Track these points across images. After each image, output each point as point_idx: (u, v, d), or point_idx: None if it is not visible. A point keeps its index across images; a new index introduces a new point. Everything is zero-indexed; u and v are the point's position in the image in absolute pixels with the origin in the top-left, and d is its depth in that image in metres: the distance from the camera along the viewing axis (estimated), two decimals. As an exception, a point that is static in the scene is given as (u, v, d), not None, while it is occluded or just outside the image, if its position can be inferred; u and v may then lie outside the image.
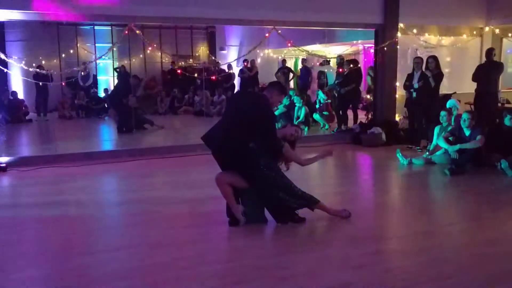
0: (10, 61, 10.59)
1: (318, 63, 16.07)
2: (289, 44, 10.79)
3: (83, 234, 5.03)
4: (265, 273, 3.89)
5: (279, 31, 10.09)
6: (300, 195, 4.96)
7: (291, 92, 12.07)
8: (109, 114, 14.16)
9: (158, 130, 11.91)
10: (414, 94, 9.32)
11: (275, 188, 4.85)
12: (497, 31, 11.61)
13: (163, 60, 18.45)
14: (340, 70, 11.14)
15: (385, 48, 10.50)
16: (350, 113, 11.36)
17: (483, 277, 3.82)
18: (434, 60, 9.29)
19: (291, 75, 16.11)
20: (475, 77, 9.79)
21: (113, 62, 17.58)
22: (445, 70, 10.08)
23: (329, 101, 12.13)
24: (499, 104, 10.49)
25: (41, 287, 3.80)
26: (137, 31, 9.65)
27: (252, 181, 4.85)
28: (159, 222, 5.30)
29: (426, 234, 4.80)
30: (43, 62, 15.80)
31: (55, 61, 16.91)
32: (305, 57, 15.84)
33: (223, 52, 19.24)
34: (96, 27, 17.51)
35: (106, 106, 15.12)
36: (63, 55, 17.23)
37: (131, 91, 11.80)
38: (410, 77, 9.51)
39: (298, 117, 11.57)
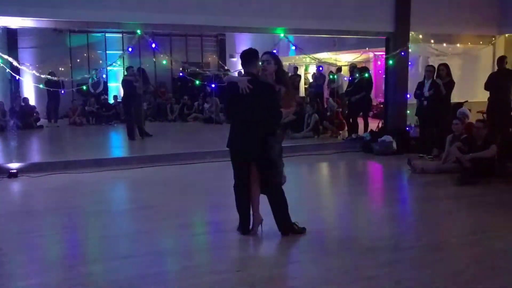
0: (22, 67, 10.67)
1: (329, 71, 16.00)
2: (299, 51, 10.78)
3: (92, 241, 5.02)
4: (274, 283, 3.84)
5: (288, 39, 10.12)
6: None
7: None
8: (124, 120, 14.15)
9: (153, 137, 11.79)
10: (425, 103, 9.24)
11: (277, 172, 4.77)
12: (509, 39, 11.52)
13: (173, 68, 18.52)
14: (351, 78, 11.09)
15: (396, 56, 10.45)
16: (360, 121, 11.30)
17: (498, 289, 3.76)
18: (445, 68, 9.20)
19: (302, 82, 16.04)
20: (487, 86, 9.70)
21: (123, 69, 17.66)
22: (457, 79, 9.98)
23: (340, 109, 12.07)
24: (512, 113, 10.36)
25: (49, 295, 3.79)
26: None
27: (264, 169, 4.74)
28: (169, 230, 5.27)
29: (438, 245, 4.73)
30: (55, 69, 15.93)
31: (66, 68, 17.05)
32: (320, 66, 15.77)
33: (233, 59, 19.26)
34: (107, 35, 17.64)
35: (116, 113, 15.17)
36: (75, 62, 17.38)
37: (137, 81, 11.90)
38: (420, 86, 9.43)
39: (308, 125, 11.51)
